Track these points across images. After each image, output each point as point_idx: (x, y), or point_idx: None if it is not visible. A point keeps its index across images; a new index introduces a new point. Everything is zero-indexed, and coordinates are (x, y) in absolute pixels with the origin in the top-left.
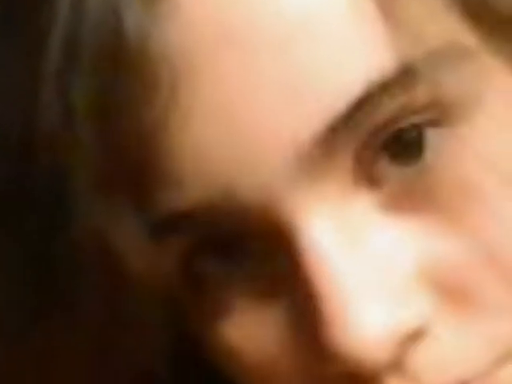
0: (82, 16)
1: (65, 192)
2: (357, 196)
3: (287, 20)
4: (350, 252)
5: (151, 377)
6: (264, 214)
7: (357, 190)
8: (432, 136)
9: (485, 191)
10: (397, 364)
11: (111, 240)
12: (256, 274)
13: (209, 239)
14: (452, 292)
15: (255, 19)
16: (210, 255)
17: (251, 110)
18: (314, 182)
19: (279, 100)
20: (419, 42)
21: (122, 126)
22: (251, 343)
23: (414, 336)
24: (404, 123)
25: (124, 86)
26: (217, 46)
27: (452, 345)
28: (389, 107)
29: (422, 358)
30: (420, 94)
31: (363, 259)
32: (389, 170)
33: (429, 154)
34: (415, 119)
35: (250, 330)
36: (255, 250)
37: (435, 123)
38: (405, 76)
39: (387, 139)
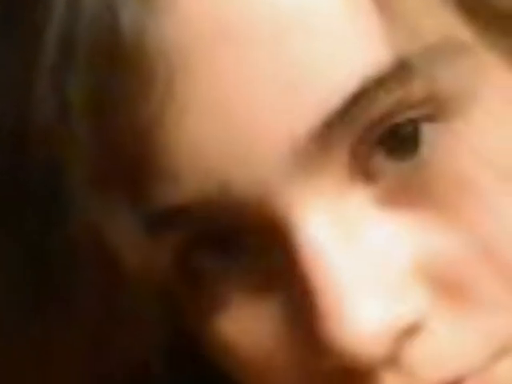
0: (77, 12)
1: (60, 187)
2: (353, 191)
3: (282, 13)
4: (346, 247)
5: (147, 372)
6: (260, 208)
7: (353, 184)
8: (428, 131)
9: (481, 186)
10: (393, 359)
11: (107, 235)
12: (252, 268)
13: (205, 234)
14: (448, 287)
15: (251, 15)
16: (206, 250)
17: (247, 106)
18: (309, 177)
19: (275, 95)
20: (415, 36)
21: (118, 122)
22: (247, 337)
23: (410, 331)
24: (400, 118)
25: (120, 82)
26: (213, 41)
27: (448, 340)
28: (385, 102)
29: (418, 352)
30: (416, 88)
31: (359, 254)
32: (385, 164)
33: (425, 149)
34: (411, 114)
35: (246, 324)
36: (251, 244)
37: (431, 118)
38: (401, 71)
39: (383, 134)
